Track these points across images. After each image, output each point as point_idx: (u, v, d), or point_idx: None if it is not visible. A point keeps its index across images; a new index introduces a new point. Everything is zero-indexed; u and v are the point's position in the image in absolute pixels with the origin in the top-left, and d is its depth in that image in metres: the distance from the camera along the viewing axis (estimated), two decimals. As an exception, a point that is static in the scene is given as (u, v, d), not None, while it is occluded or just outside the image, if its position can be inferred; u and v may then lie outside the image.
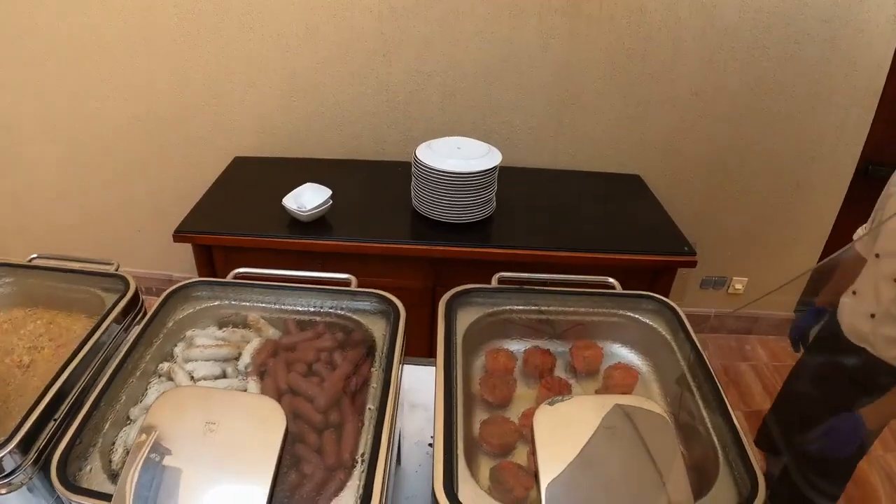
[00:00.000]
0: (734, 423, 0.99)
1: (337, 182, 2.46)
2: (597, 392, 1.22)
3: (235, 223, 2.40)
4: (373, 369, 1.08)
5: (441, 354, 1.09)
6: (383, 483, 0.84)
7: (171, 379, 1.11)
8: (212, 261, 2.41)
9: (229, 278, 1.29)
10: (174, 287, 1.26)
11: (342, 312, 1.21)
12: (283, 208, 2.32)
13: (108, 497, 0.82)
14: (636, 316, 1.32)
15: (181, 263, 3.34)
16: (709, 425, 1.04)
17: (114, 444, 1.00)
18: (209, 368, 1.12)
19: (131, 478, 0.81)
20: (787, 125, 2.81)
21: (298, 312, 1.24)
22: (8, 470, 0.90)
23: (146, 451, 0.83)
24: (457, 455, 0.92)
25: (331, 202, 2.36)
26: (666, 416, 0.93)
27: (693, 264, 2.35)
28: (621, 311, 1.32)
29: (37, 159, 3.15)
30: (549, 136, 2.89)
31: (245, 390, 1.07)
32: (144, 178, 3.14)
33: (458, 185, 2.28)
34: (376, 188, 2.71)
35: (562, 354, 1.29)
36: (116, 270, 1.32)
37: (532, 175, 2.89)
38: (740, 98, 2.75)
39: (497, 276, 1.34)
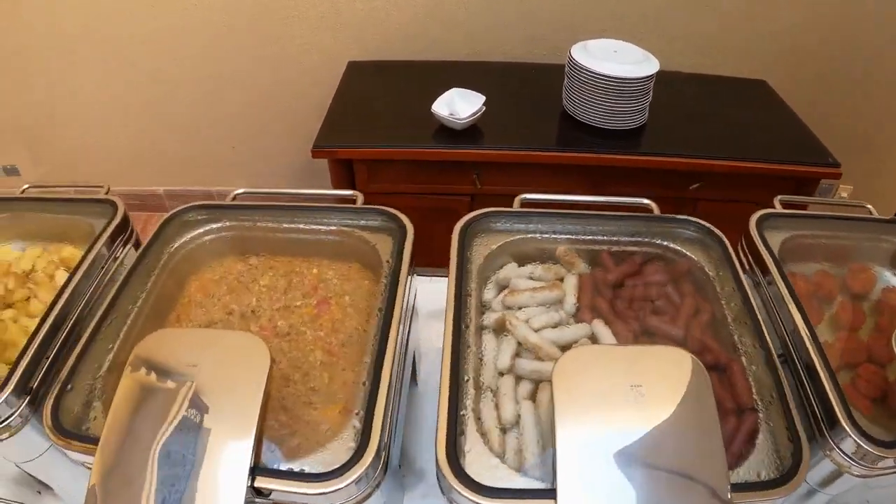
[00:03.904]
0: None
1: (477, 86, 2.30)
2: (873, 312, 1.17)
3: (376, 134, 2.27)
4: (716, 301, 1.02)
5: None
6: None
7: (507, 333, 0.98)
8: (352, 176, 2.30)
9: (515, 207, 1.20)
10: (466, 219, 1.12)
11: (652, 240, 1.13)
12: (429, 116, 2.19)
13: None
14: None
15: (279, 182, 3.22)
16: None
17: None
18: (548, 315, 1.00)
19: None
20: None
21: (602, 242, 1.13)
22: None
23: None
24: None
25: (484, 108, 2.21)
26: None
27: (838, 176, 2.30)
28: (882, 236, 1.25)
29: (117, 83, 2.91)
30: (677, 38, 2.73)
31: (591, 337, 0.97)
32: (240, 89, 2.93)
33: (618, 90, 2.17)
34: (515, 91, 2.54)
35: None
36: (359, 204, 1.17)
37: (661, 78, 2.74)
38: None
39: (778, 198, 1.24)
